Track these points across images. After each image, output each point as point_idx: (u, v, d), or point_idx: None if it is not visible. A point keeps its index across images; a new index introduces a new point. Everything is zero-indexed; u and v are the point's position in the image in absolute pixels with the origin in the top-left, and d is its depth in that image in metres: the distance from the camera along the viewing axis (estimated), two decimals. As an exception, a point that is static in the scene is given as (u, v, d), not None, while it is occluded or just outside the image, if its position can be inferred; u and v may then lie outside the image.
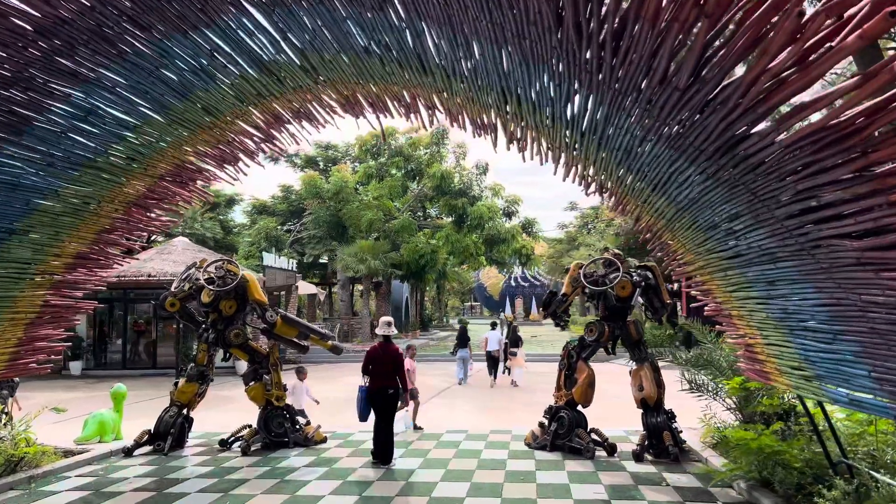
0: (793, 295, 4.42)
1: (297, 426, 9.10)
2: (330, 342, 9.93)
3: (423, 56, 5.00)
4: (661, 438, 7.92)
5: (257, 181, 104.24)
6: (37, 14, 4.20)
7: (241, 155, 7.26)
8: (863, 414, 6.05)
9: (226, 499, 6.55)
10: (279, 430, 8.90)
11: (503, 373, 16.62)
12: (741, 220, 4.26)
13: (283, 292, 26.69)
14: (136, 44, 4.79)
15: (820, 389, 4.80)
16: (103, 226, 7.02)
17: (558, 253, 43.60)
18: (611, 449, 8.19)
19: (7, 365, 7.06)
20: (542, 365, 19.53)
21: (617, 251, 9.34)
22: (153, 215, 7.64)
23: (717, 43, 3.04)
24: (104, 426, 9.25)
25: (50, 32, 4.40)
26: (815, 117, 3.06)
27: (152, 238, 28.15)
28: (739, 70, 3.41)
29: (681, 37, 3.10)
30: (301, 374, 10.00)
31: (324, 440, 9.20)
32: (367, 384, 7.94)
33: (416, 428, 10.08)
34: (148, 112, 5.71)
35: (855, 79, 2.57)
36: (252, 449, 8.66)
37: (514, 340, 16.62)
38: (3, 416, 8.25)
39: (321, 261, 37.26)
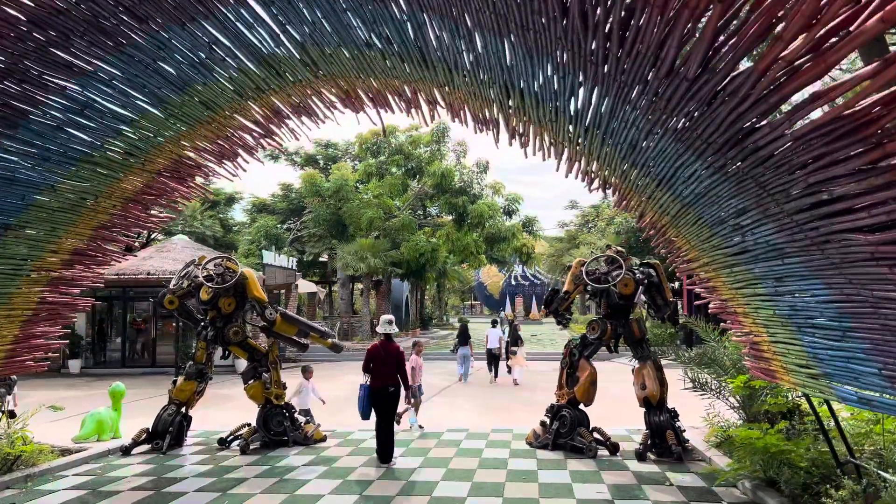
0: (801, 291, 4.34)
1: (297, 425, 9.03)
2: (329, 340, 9.85)
3: (425, 49, 4.92)
4: (664, 437, 7.84)
5: (257, 179, 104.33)
6: (30, 4, 4.13)
7: (239, 151, 7.19)
8: (869, 413, 5.99)
9: (224, 498, 6.48)
10: (278, 428, 8.83)
11: (506, 373, 16.58)
12: (749, 215, 4.18)
13: (282, 291, 26.63)
14: (133, 35, 4.71)
15: (827, 388, 4.72)
16: (101, 222, 6.96)
17: (559, 251, 43.58)
18: (613, 448, 8.12)
19: (3, 363, 6.99)
20: (542, 364, 19.47)
21: (619, 248, 9.26)
22: (151, 212, 7.57)
23: (728, 29, 2.95)
24: (102, 425, 9.19)
25: (44, 23, 4.32)
26: (816, 114, 2.99)
27: (152, 236, 28.08)
28: (744, 63, 3.33)
29: (690, 25, 3.03)
30: (307, 372, 9.91)
31: (323, 439, 9.13)
32: (368, 382, 7.87)
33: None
34: (145, 106, 5.64)
35: (872, 66, 2.49)
36: (251, 448, 8.58)
37: (515, 339, 16.57)
38: (1, 414, 8.17)
39: (321, 259, 37.16)
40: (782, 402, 7.23)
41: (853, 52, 2.52)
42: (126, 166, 6.35)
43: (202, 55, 5.17)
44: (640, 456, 7.78)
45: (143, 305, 22.15)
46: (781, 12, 2.58)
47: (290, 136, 7.16)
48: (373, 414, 7.84)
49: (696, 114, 3.66)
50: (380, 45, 5.06)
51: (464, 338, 16.74)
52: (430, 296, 53.34)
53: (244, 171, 7.57)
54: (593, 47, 3.71)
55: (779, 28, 2.69)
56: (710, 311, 7.04)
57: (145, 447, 8.68)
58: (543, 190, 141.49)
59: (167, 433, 8.66)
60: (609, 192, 6.47)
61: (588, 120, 4.79)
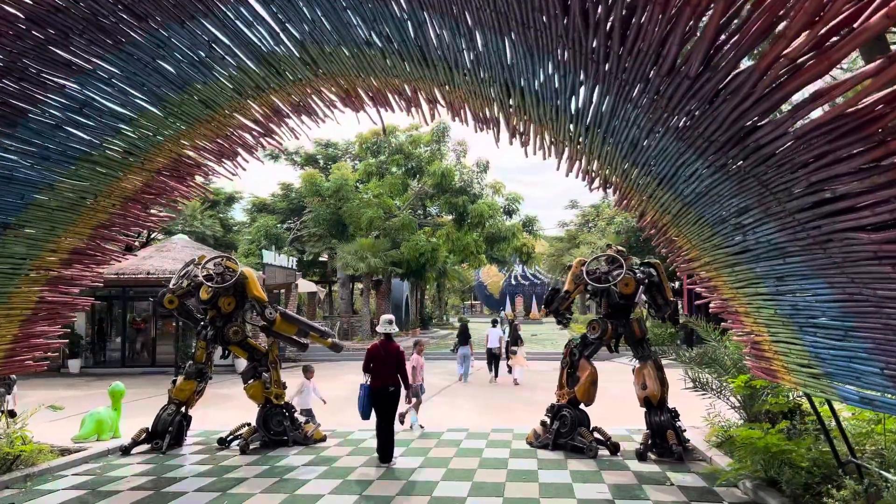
0: (803, 291, 4.33)
1: (297, 424, 9.01)
2: (329, 339, 9.83)
3: (425, 47, 4.90)
4: (664, 437, 7.83)
5: (257, 179, 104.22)
6: (29, 1, 4.11)
7: (239, 150, 7.16)
8: (870, 412, 5.97)
9: (224, 498, 6.46)
10: (278, 428, 8.82)
11: (506, 372, 16.57)
12: (750, 214, 4.17)
13: (282, 290, 26.62)
14: (132, 34, 4.69)
15: (829, 387, 4.71)
16: (100, 221, 6.94)
17: (559, 251, 43.54)
18: (614, 448, 8.10)
19: (3, 362, 6.98)
20: (543, 363, 19.45)
21: (620, 248, 9.24)
22: (151, 211, 7.54)
23: (730, 27, 2.94)
24: (102, 424, 9.17)
25: (43, 21, 4.31)
26: (817, 112, 2.97)
27: (152, 235, 28.06)
28: (745, 62, 3.32)
29: (692, 22, 3.01)
30: (308, 372, 9.89)
31: (323, 439, 9.11)
32: (369, 382, 7.86)
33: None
34: (144, 104, 5.61)
35: (875, 64, 2.47)
36: (251, 447, 8.57)
37: (515, 339, 16.56)
38: (1, 413, 8.16)
39: (321, 259, 37.12)
40: (783, 402, 7.22)
41: (856, 49, 2.49)
42: (125, 165, 6.33)
43: (202, 53, 5.15)
44: (641, 456, 7.76)
45: (143, 305, 22.13)
46: (783, 10, 2.56)
47: (289, 136, 7.14)
48: (373, 414, 7.83)
49: (697, 112, 3.64)
50: (380, 44, 5.04)
51: (464, 337, 16.74)
52: (430, 295, 53.30)
53: (244, 170, 7.55)
54: (594, 45, 3.69)
55: (781, 26, 2.68)
56: (710, 310, 7.02)
57: (145, 447, 8.67)
58: (543, 189, 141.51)
59: (167, 433, 8.65)
60: (610, 191, 6.45)
61: (589, 118, 4.77)
